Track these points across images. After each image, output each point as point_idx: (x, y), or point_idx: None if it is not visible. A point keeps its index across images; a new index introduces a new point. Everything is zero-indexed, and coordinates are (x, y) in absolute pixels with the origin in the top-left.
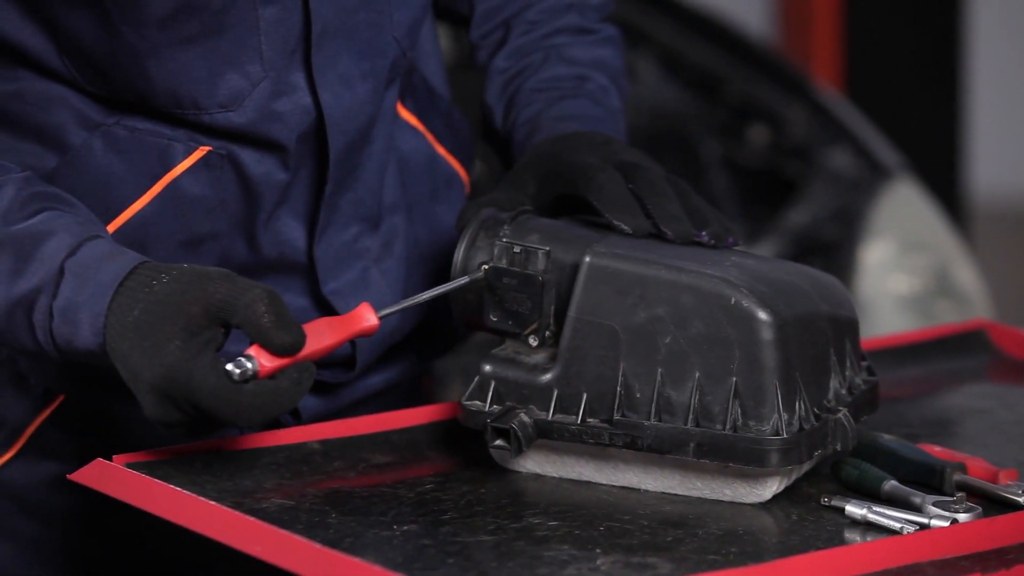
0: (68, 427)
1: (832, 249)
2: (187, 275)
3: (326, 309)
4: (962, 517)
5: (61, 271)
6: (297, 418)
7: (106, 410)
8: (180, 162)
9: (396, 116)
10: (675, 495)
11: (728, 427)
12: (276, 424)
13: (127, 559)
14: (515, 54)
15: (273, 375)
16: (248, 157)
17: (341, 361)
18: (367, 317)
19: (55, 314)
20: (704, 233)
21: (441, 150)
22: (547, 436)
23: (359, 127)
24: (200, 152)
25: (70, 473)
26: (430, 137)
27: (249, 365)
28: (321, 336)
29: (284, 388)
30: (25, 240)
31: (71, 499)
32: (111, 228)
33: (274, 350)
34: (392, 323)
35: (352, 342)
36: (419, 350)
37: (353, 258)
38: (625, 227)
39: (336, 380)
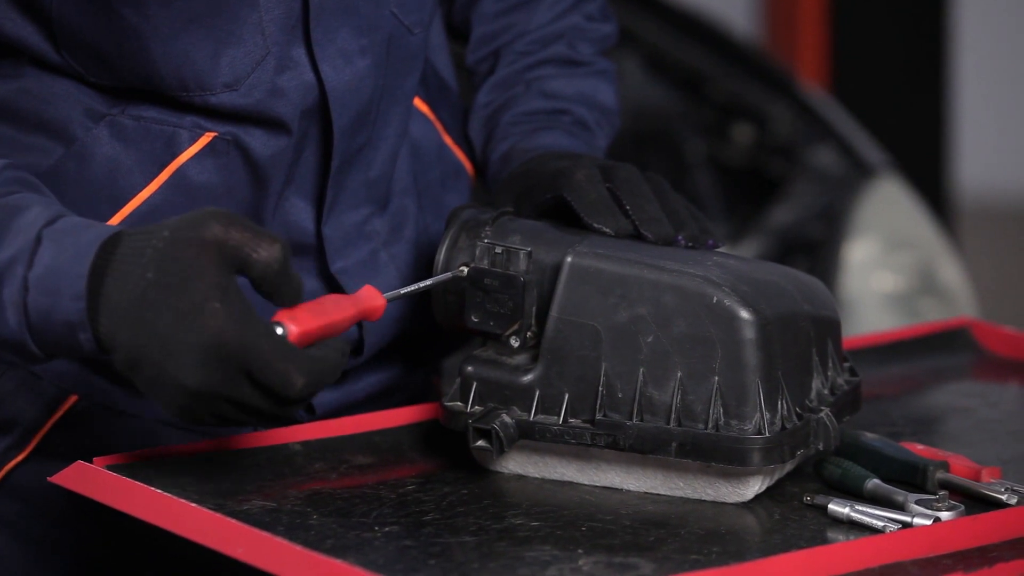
0: (80, 429)
1: (816, 247)
2: (188, 223)
3: (335, 288)
4: (944, 515)
5: (39, 239)
6: (312, 412)
7: (118, 410)
8: (186, 149)
9: (413, 104)
10: (657, 495)
11: (710, 426)
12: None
13: (138, 560)
14: (498, 86)
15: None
16: (254, 139)
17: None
18: (373, 296)
19: (31, 285)
20: (680, 237)
21: (448, 140)
22: (529, 436)
23: (362, 102)
24: (206, 138)
25: None
26: (439, 126)
27: (281, 331)
28: (327, 312)
29: (331, 357)
30: (1, 211)
31: (82, 501)
32: (119, 218)
33: (282, 303)
34: (398, 312)
35: (359, 326)
36: (430, 347)
37: (362, 239)
38: (606, 229)
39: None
